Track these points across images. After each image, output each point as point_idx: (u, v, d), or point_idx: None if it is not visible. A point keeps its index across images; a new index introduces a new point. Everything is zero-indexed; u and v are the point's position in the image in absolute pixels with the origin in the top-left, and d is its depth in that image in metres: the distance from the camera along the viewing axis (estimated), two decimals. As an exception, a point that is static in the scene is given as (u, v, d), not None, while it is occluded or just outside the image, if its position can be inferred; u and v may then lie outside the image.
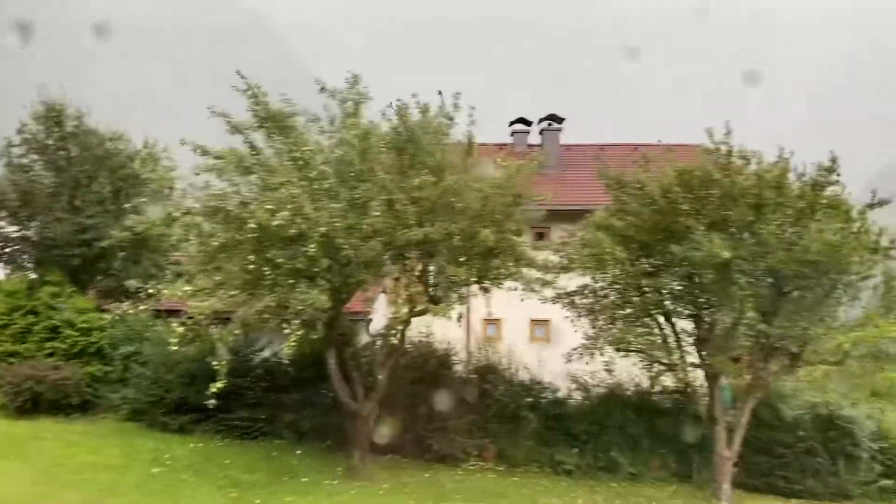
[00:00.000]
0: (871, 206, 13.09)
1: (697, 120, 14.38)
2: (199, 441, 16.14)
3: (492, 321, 20.80)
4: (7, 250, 21.37)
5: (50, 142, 21.30)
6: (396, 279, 12.48)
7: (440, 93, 13.62)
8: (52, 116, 21.31)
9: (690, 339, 14.86)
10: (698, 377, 14.89)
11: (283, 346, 12.15)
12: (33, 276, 20.93)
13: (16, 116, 21.38)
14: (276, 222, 11.06)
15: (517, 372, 17.50)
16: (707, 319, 14.50)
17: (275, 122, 12.96)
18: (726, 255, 12.39)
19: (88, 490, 12.12)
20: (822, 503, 15.31)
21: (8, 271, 22.20)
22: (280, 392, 17.19)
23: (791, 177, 13.33)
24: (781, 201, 13.04)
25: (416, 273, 13.98)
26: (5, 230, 21.26)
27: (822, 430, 16.09)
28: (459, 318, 13.74)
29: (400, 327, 14.60)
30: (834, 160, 13.11)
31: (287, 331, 11.26)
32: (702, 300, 14.32)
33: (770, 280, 13.56)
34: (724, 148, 13.61)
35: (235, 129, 12.90)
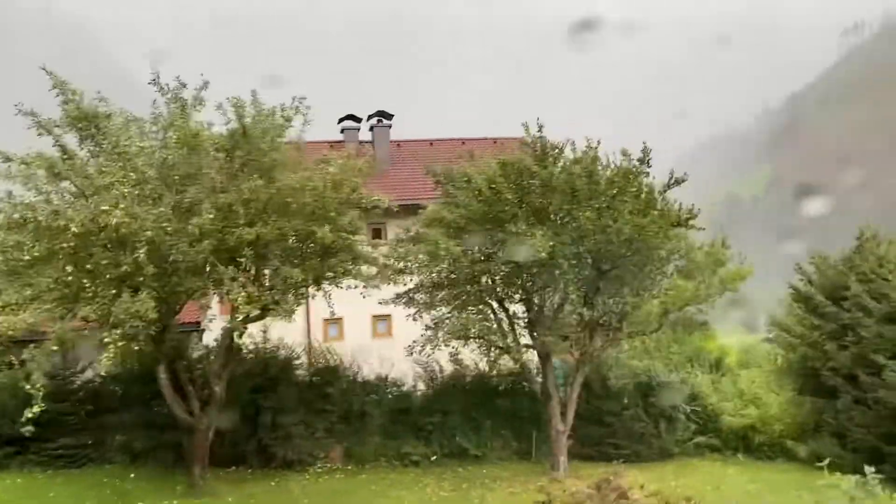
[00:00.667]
0: (670, 185, 14.36)
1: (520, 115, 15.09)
2: (17, 476, 14.65)
3: (333, 321, 20.61)
4: None
5: None
6: (230, 283, 12.00)
7: (253, 93, 13.27)
8: None
9: (523, 322, 15.61)
10: (533, 357, 15.69)
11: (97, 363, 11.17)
12: None
13: None
14: (113, 221, 10.26)
15: (360, 370, 17.52)
16: (536, 302, 15.29)
17: (89, 122, 12.01)
18: (546, 250, 13.10)
19: None
20: (648, 463, 16.64)
21: None
22: (107, 413, 16.01)
23: (601, 166, 14.29)
24: (594, 188, 13.98)
25: (251, 276, 13.57)
26: None
27: (643, 397, 17.54)
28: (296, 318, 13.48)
29: (235, 334, 14.10)
30: (645, 151, 14.23)
31: (107, 340, 10.40)
32: (530, 284, 15.08)
33: (590, 261, 14.54)
34: (538, 141, 14.39)
35: (44, 128, 11.81)
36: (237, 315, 12.88)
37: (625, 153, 14.09)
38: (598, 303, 14.55)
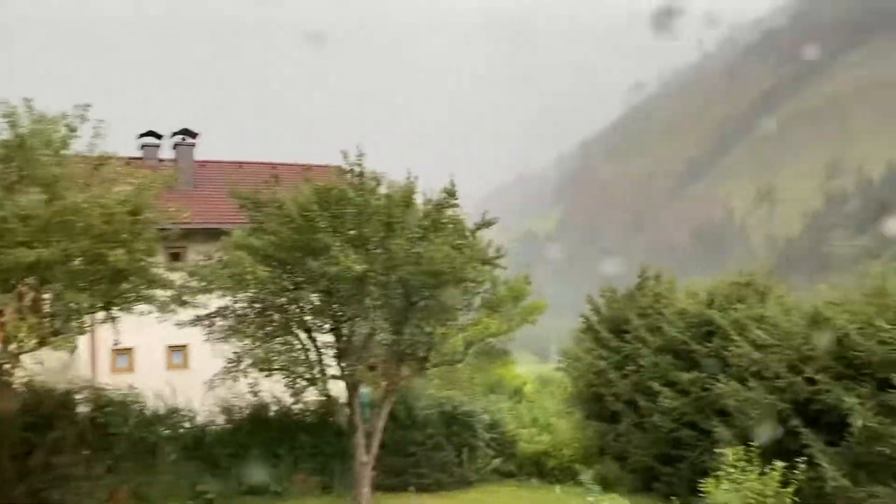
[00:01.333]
0: (481, 225, 15.03)
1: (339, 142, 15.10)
2: None
3: (122, 351, 19.02)
4: None
5: None
6: (3, 311, 10.67)
7: (28, 100, 12.07)
8: None
9: (331, 352, 15.39)
10: (340, 388, 15.49)
11: None
12: None
13: None
14: None
15: (151, 403, 16.29)
16: (345, 331, 15.15)
17: None
18: (359, 268, 13.07)
19: None
20: (449, 492, 16.97)
21: None
22: None
23: (417, 197, 14.63)
24: (409, 219, 14.23)
25: (30, 302, 12.19)
26: None
27: (447, 426, 17.94)
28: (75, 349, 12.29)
29: (7, 366, 12.57)
30: (453, 184, 14.77)
31: None
32: (340, 313, 14.94)
33: (400, 291, 14.72)
34: (357, 169, 14.44)
35: None
36: (11, 346, 11.49)
37: (449, 191, 14.54)
38: (406, 333, 14.72)
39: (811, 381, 11.60)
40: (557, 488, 17.18)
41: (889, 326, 10.58)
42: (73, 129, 12.20)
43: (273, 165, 21.54)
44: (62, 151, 12.03)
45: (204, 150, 24.29)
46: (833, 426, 11.23)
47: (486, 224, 15.03)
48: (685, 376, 15.65)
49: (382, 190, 14.51)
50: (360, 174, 14.41)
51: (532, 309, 15.79)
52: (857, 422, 10.13)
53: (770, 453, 10.32)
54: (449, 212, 14.64)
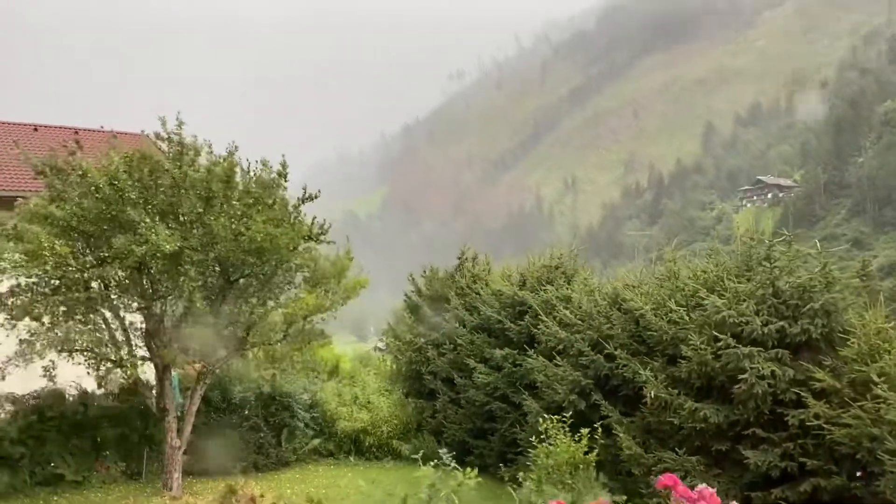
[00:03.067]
0: (303, 200, 14.75)
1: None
2: None
3: None
4: None
5: None
6: None
7: None
8: None
9: (139, 333, 14.49)
10: (149, 371, 14.63)
11: None
12: None
13: None
14: None
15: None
16: (157, 311, 14.31)
17: None
18: (169, 248, 12.35)
19: None
20: (265, 473, 16.64)
21: None
22: None
23: (239, 171, 14.05)
24: (229, 195, 13.65)
25: None
26: None
27: (265, 407, 17.57)
28: None
29: None
30: (285, 164, 14.31)
31: None
32: (151, 291, 14.08)
33: (218, 269, 14.14)
34: (175, 138, 13.61)
35: None
36: None
37: (265, 163, 14.06)
38: (223, 312, 14.19)
39: (611, 358, 12.66)
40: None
41: (678, 307, 11.78)
42: None
43: (76, 131, 19.79)
44: None
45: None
46: (629, 398, 12.35)
47: (308, 199, 14.74)
48: (498, 353, 16.46)
49: (202, 161, 13.80)
50: (180, 143, 13.61)
51: (354, 284, 15.82)
52: (651, 393, 11.22)
53: (575, 424, 11.16)
54: (275, 192, 14.20)
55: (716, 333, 10.55)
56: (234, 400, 17.16)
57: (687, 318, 11.52)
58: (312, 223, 14.67)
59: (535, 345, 15.45)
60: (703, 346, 10.66)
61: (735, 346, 10.25)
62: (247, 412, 17.20)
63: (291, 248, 14.03)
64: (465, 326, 18.28)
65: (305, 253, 14.71)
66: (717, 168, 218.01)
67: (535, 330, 15.47)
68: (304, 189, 14.72)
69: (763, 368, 9.87)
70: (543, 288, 16.49)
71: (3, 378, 13.26)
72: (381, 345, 28.37)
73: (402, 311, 22.28)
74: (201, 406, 15.15)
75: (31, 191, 14.52)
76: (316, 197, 14.72)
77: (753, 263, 11.49)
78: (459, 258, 20.89)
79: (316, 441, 18.32)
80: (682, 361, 11.01)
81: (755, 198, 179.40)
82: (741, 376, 10.01)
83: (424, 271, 21.51)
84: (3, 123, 21.80)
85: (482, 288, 18.82)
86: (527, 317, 16.40)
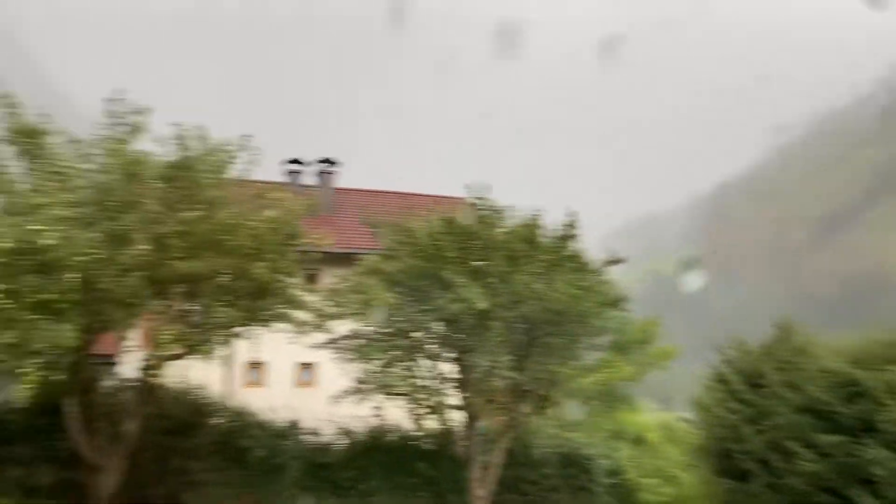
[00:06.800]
0: (606, 263, 14.74)
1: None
2: None
3: (255, 365, 20.04)
4: None
5: None
6: (154, 318, 11.56)
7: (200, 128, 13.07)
8: None
9: (452, 382, 15.49)
10: (459, 419, 15.52)
11: (10, 392, 10.53)
12: None
13: None
14: (46, 242, 9.69)
15: (279, 419, 16.98)
16: (467, 363, 15.21)
17: (29, 138, 11.53)
18: (482, 306, 13.16)
19: None
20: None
21: None
22: (5, 444, 14.96)
23: (541, 232, 14.58)
24: (532, 254, 14.20)
25: (178, 312, 13.13)
26: None
27: (563, 467, 17.51)
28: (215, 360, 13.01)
29: (154, 372, 13.54)
30: (573, 215, 14.60)
31: (22, 371, 9.80)
32: (462, 344, 15.04)
33: (523, 326, 14.64)
34: (483, 202, 14.61)
35: None
36: (158, 351, 12.35)
37: (569, 224, 14.43)
38: (527, 369, 14.60)
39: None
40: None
41: None
42: (232, 156, 13.13)
43: (405, 195, 22.19)
44: (221, 175, 12.96)
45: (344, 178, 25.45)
46: None
47: (612, 262, 14.72)
48: (827, 439, 14.51)
49: (507, 223, 14.58)
50: (485, 208, 14.55)
51: (661, 354, 15.21)
52: None
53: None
54: (571, 247, 14.44)
55: None
56: (535, 456, 17.36)
57: None
58: (613, 290, 14.56)
59: (874, 432, 13.35)
60: None
61: None
62: (546, 470, 17.27)
63: (593, 313, 14.03)
64: (785, 405, 16.43)
65: (607, 317, 14.60)
66: None
67: (875, 416, 13.39)
68: (611, 252, 14.72)
69: None
70: (885, 368, 14.26)
71: (337, 405, 15.04)
72: (687, 416, 26.69)
73: (712, 382, 20.80)
74: (504, 459, 15.59)
75: (370, 249, 16.54)
76: (621, 261, 14.63)
77: None
78: (778, 328, 18.97)
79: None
80: None
81: None
82: None
83: (737, 343, 19.88)
84: (352, 190, 25.31)
85: (806, 363, 16.82)
86: (863, 399, 14.28)
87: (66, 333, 10.28)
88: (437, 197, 21.98)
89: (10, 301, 10.46)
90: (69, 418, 12.98)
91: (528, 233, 14.21)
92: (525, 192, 16.31)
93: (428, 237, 14.13)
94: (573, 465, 17.56)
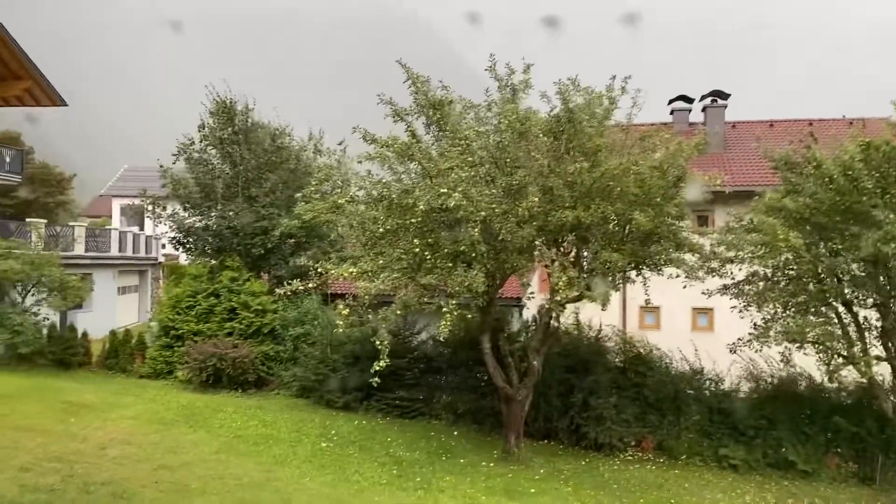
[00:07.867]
0: None
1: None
2: (362, 418, 16.93)
3: (650, 309, 20.16)
4: (191, 239, 23.39)
5: (224, 136, 23.02)
6: (551, 264, 12.30)
7: (573, 79, 13.22)
8: (224, 112, 23.01)
9: (874, 331, 13.60)
10: (884, 372, 13.60)
11: (437, 330, 12.34)
12: (213, 262, 22.75)
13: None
14: (452, 203, 11.17)
15: (677, 361, 16.87)
16: (894, 308, 13.18)
17: (435, 110, 13.14)
18: None
19: (264, 460, 13.04)
20: None
21: (192, 258, 24.33)
22: (436, 374, 17.73)
23: None
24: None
25: (571, 258, 13.77)
26: (188, 220, 23.28)
27: None
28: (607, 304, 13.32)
29: (555, 313, 14.45)
30: None
31: (444, 310, 11.42)
32: (888, 288, 13.03)
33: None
34: None
35: (399, 115, 13.15)
36: (556, 296, 13.13)
37: None
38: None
39: None
40: None
41: None
42: (613, 102, 13.18)
43: (810, 122, 19.86)
44: (604, 123, 13.11)
45: (732, 112, 23.71)
46: None
47: None
48: None
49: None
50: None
51: None
52: None
53: None
54: None
55: None
56: None
57: None
58: None
59: None
60: None
61: None
62: None
63: None
64: None
65: None
66: None
67: None
68: None
69: None
70: None
71: (734, 351, 14.33)
72: None
73: None
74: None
75: (766, 185, 15.22)
76: None
77: None
78: None
79: None
80: None
81: None
82: None
83: None
84: (744, 123, 23.47)
85: None
86: None
87: (476, 279, 11.61)
88: (851, 120, 19.19)
89: (430, 251, 12.18)
90: (485, 354, 14.66)
91: None
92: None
93: (840, 166, 12.41)
94: None
